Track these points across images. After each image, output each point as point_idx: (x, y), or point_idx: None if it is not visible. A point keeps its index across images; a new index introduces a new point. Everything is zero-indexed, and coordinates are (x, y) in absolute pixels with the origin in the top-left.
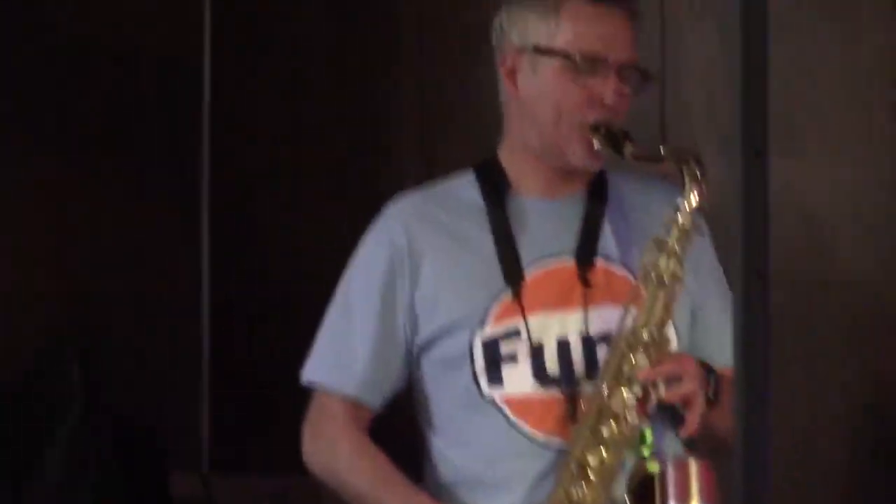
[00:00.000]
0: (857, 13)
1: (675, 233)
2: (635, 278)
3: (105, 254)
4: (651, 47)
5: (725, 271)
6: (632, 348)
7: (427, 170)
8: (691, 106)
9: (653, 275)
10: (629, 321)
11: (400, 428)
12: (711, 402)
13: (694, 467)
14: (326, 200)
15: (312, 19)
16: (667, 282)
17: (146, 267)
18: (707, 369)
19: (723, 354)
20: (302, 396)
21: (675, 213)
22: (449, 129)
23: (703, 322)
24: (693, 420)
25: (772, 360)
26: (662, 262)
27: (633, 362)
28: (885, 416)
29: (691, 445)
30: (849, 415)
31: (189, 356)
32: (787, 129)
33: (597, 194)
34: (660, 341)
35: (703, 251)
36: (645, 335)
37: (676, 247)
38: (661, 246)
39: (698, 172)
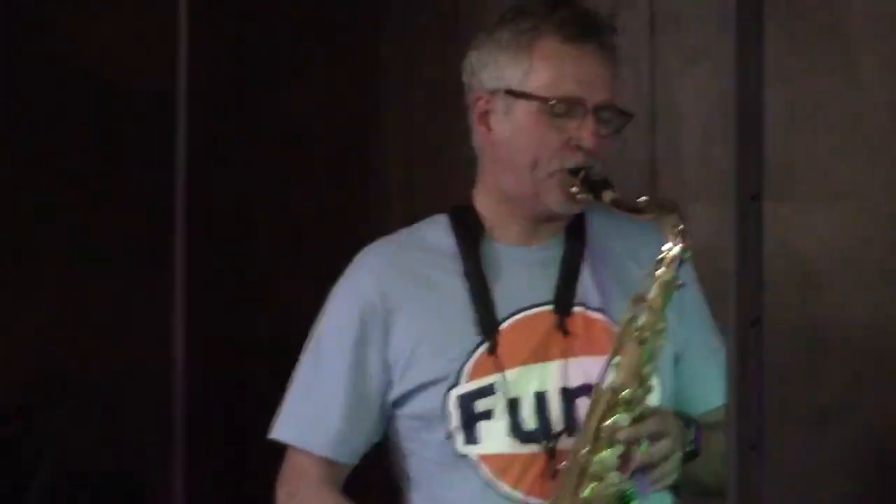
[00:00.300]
0: (857, 60)
1: (655, 288)
2: (616, 325)
3: (77, 310)
4: (642, 91)
5: (719, 318)
6: (612, 406)
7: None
8: (683, 150)
9: (634, 331)
10: (610, 377)
11: (379, 480)
12: (693, 454)
13: None
14: (309, 251)
15: (296, 64)
16: (648, 338)
17: (119, 322)
18: (687, 421)
19: (709, 398)
20: (277, 455)
21: (657, 266)
22: (433, 179)
23: (688, 366)
24: (662, 478)
25: (766, 407)
26: (643, 318)
27: (615, 420)
28: (884, 466)
29: (676, 494)
30: (846, 465)
31: (163, 415)
32: (782, 174)
33: (575, 237)
34: (641, 398)
35: (689, 293)
36: (626, 393)
37: (658, 301)
38: (641, 301)
39: (680, 225)
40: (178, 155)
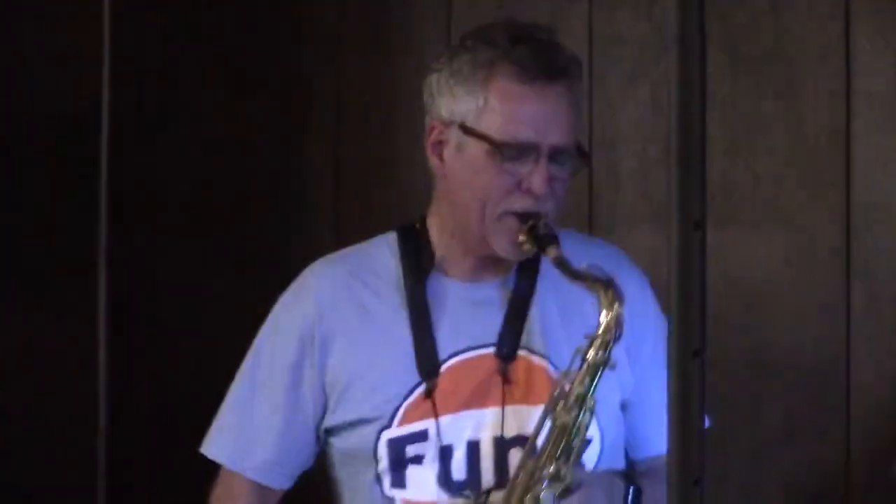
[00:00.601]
0: (800, 84)
1: (585, 367)
2: (558, 373)
3: None
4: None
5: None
6: (536, 480)
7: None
8: (622, 174)
9: (562, 407)
10: (537, 446)
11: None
12: None
13: None
14: (234, 277)
15: (222, 87)
16: (574, 415)
17: (38, 354)
18: (627, 481)
19: (659, 442)
20: (201, 491)
21: (587, 345)
22: (363, 204)
23: (639, 410)
24: None
25: (706, 442)
26: (573, 393)
27: (539, 499)
28: (824, 497)
29: None
30: (786, 496)
31: (84, 450)
32: (724, 199)
33: (526, 276)
34: (566, 475)
35: (644, 335)
36: (550, 469)
37: (586, 380)
38: (570, 378)
39: (615, 303)
40: (101, 176)
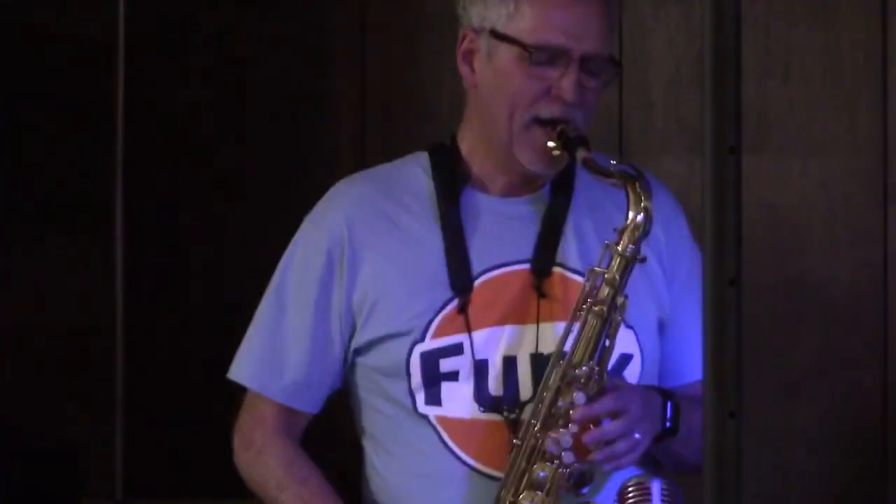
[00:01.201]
0: (836, 9)
1: (615, 261)
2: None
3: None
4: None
5: None
6: (568, 383)
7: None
8: (652, 99)
9: (592, 305)
10: (567, 349)
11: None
12: (670, 431)
13: (656, 489)
14: (259, 202)
15: (244, 9)
16: (606, 313)
17: (56, 285)
18: (665, 396)
19: (695, 368)
20: (218, 422)
21: (617, 238)
22: (389, 128)
23: (674, 335)
24: (618, 457)
25: (743, 370)
26: (602, 290)
27: (569, 399)
28: (863, 428)
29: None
30: (823, 427)
31: (102, 378)
32: (756, 126)
33: (561, 192)
34: (598, 375)
35: (680, 255)
36: (583, 370)
37: (616, 276)
38: (600, 275)
39: (643, 195)
40: (118, 101)
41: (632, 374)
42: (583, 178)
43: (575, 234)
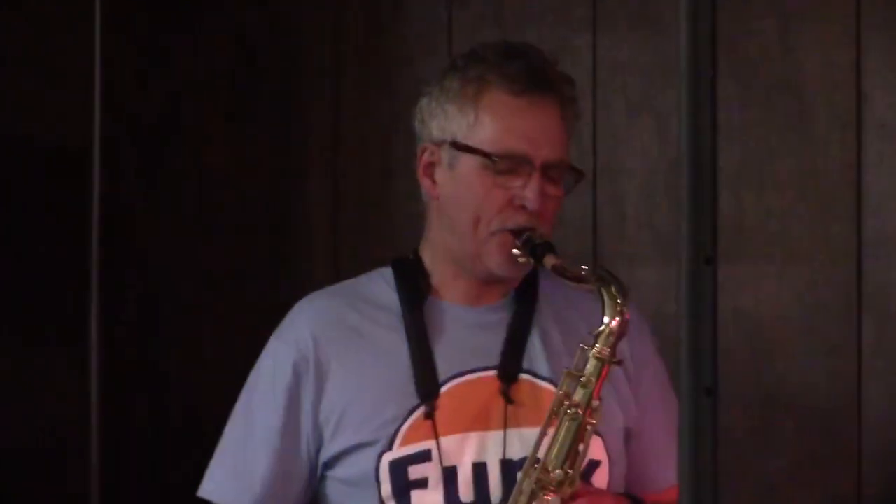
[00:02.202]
0: (811, 117)
1: (591, 363)
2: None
3: None
4: (583, 145)
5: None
6: (542, 486)
7: (337, 272)
8: (626, 209)
9: (566, 409)
10: (541, 453)
11: None
12: None
13: None
14: (230, 310)
15: (219, 119)
16: (580, 416)
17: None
18: (635, 502)
19: (666, 476)
20: None
21: (593, 341)
22: (363, 234)
23: (645, 441)
24: None
25: (718, 480)
26: (577, 394)
27: (545, 501)
28: None
29: None
30: None
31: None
32: (731, 234)
33: (525, 300)
34: (573, 478)
35: (646, 366)
36: (557, 473)
37: (592, 378)
38: (575, 377)
39: (619, 297)
40: (94, 207)
41: (600, 480)
42: (546, 287)
43: (541, 341)
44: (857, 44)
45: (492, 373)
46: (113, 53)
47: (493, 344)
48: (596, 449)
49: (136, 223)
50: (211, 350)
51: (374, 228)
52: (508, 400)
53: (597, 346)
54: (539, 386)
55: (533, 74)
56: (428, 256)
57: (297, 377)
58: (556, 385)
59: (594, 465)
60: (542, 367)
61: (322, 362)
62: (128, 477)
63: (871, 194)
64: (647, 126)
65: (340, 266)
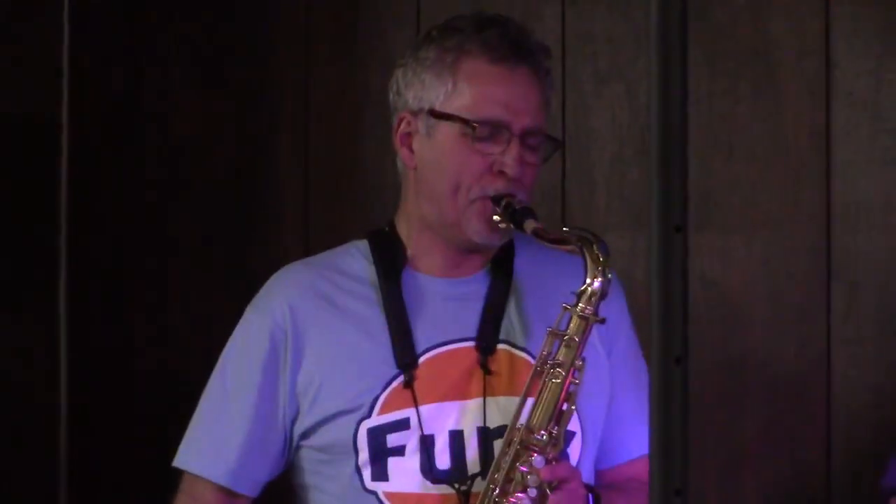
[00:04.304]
0: (779, 86)
1: (574, 322)
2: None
3: None
4: (551, 113)
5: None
6: (527, 447)
7: (306, 240)
8: (595, 177)
9: (550, 368)
10: (524, 415)
11: None
12: None
13: None
14: (200, 281)
15: (188, 89)
16: (564, 374)
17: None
18: (587, 488)
19: (631, 448)
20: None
21: (577, 300)
22: (334, 204)
23: (615, 410)
24: None
25: (690, 448)
26: (561, 353)
27: (530, 463)
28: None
29: None
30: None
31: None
32: (700, 203)
33: (501, 272)
34: (557, 438)
35: (619, 336)
36: (543, 434)
37: (576, 337)
38: (559, 336)
39: (601, 257)
40: (62, 178)
41: (573, 451)
42: (522, 259)
43: (518, 312)
44: (825, 12)
45: (470, 344)
46: (79, 24)
47: (471, 315)
48: (571, 420)
49: (103, 192)
50: (179, 316)
51: (343, 196)
52: (486, 370)
53: (580, 304)
54: (517, 356)
55: (511, 43)
56: (404, 228)
57: (273, 348)
58: (533, 355)
59: (569, 435)
60: (520, 337)
61: (299, 333)
62: (96, 442)
63: (839, 162)
64: (616, 94)
65: (310, 234)
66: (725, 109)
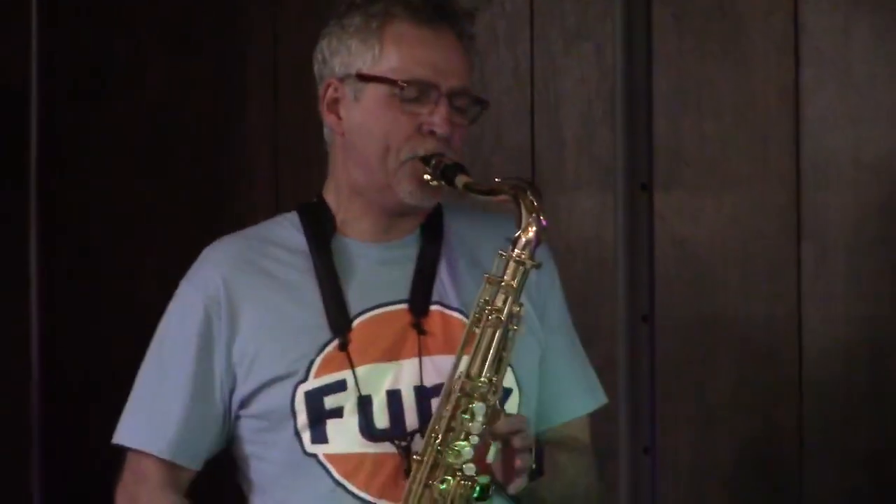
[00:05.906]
0: (748, 44)
1: (510, 268)
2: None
3: None
4: (521, 73)
5: (603, 314)
6: (467, 396)
7: (276, 199)
8: (564, 136)
9: (487, 316)
10: (463, 366)
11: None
12: (535, 474)
13: None
14: (170, 245)
15: (157, 53)
16: (503, 321)
17: None
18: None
19: (568, 407)
20: None
21: (511, 247)
22: (302, 168)
23: (549, 371)
24: (523, 470)
25: (658, 406)
26: (498, 300)
27: (471, 410)
28: (779, 462)
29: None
30: (739, 462)
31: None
32: (668, 162)
33: (432, 234)
34: (497, 385)
35: (551, 294)
36: (482, 381)
37: (513, 283)
38: (495, 283)
39: (535, 203)
40: (31, 146)
41: (511, 408)
42: (452, 223)
43: (449, 273)
44: None
45: (403, 306)
46: None
47: (402, 278)
48: (507, 377)
49: (74, 155)
50: (154, 282)
51: (313, 156)
52: (420, 330)
53: (515, 250)
54: (449, 316)
55: (435, 6)
56: (332, 196)
57: (208, 319)
58: (466, 315)
59: (507, 392)
60: (452, 298)
61: (233, 303)
62: (69, 417)
63: (808, 120)
64: (585, 54)
65: (281, 193)
66: (693, 68)
